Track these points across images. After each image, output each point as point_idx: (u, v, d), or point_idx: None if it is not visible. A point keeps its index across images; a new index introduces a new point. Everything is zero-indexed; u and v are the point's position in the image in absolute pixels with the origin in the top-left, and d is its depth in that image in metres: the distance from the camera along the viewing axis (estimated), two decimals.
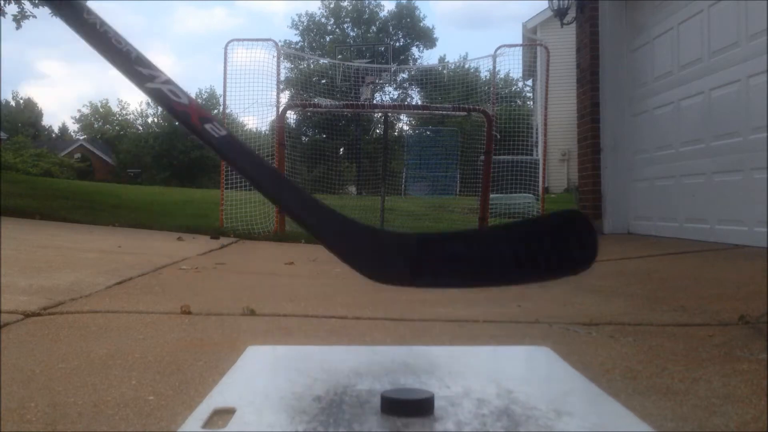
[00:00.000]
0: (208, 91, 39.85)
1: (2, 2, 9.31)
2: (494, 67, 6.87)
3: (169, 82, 0.69)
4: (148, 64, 0.69)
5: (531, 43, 15.14)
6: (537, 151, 10.46)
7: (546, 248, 0.73)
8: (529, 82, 19.60)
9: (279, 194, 0.73)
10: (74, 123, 50.78)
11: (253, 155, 0.72)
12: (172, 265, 3.04)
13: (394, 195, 12.14)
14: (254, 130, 7.66)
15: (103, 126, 47.56)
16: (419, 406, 0.82)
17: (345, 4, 36.24)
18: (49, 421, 0.94)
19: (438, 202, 11.49)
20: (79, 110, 50.59)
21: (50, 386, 1.10)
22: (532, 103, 18.99)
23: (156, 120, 41.23)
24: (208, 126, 0.70)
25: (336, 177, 10.50)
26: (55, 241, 3.84)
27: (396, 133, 23.88)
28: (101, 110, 48.44)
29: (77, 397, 1.05)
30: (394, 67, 25.56)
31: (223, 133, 0.70)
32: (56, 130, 54.09)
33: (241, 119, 7.94)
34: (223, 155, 0.71)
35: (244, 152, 0.72)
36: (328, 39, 35.42)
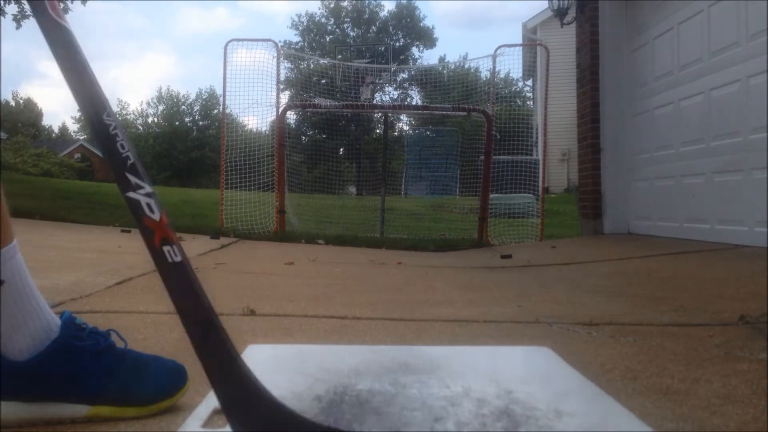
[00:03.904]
0: (208, 91, 39.84)
1: (2, 2, 9.32)
2: (494, 67, 6.87)
3: (151, 195, 0.74)
4: (140, 175, 0.74)
5: (531, 43, 15.14)
6: (537, 151, 10.46)
7: None
8: (529, 82, 19.60)
9: (201, 345, 0.73)
10: (74, 123, 50.75)
11: (198, 293, 0.74)
12: None
13: (394, 195, 12.15)
14: (254, 130, 7.66)
15: None
16: None
17: (345, 4, 36.23)
18: (50, 421, 0.94)
19: (438, 202, 11.49)
20: (79, 110, 50.44)
21: None
22: (532, 103, 18.99)
23: (156, 120, 41.24)
24: (166, 248, 0.72)
25: (336, 177, 10.49)
26: (55, 241, 3.84)
27: (396, 133, 23.89)
28: None
29: None
30: (394, 67, 25.57)
31: (178, 259, 0.73)
32: (56, 130, 54.09)
33: (241, 119, 7.93)
34: (168, 282, 0.73)
35: (187, 287, 0.74)
36: (328, 39, 35.42)
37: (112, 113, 0.76)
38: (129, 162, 0.74)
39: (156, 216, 0.73)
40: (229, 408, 0.72)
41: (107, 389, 0.95)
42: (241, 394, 0.72)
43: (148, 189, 0.74)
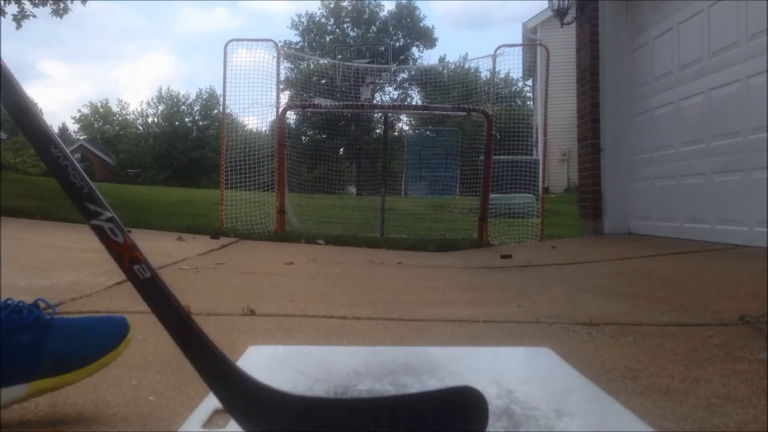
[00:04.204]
0: (208, 91, 39.85)
1: (2, 2, 9.31)
2: (494, 67, 6.87)
3: (111, 220, 0.79)
4: (97, 202, 0.79)
5: (531, 43, 15.14)
6: (537, 151, 10.46)
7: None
8: (529, 82, 19.60)
9: (187, 343, 0.81)
10: (74, 123, 50.75)
11: (171, 302, 0.80)
12: (172, 265, 3.03)
13: (394, 195, 12.15)
14: (254, 130, 7.66)
15: (103, 126, 47.57)
16: None
17: (345, 4, 36.24)
18: (49, 421, 0.94)
19: (438, 202, 11.49)
20: (79, 110, 50.57)
21: None
22: (532, 103, 19.00)
23: (156, 120, 41.23)
24: (135, 267, 0.79)
25: (336, 177, 10.49)
26: (55, 241, 3.84)
27: (396, 133, 23.89)
28: (101, 110, 48.44)
29: (77, 397, 1.05)
30: (394, 67, 25.57)
31: (148, 275, 0.79)
32: (56, 130, 53.97)
33: (241, 119, 7.93)
34: (144, 296, 0.80)
35: (161, 299, 0.80)
36: (328, 39, 35.42)
37: (59, 144, 0.79)
38: (84, 191, 0.78)
39: (120, 239, 0.79)
40: (226, 401, 0.77)
41: (41, 362, 0.92)
42: (230, 384, 0.78)
43: (107, 215, 0.78)
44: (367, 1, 36.06)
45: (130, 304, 1.94)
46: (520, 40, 16.60)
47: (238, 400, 0.77)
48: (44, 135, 0.78)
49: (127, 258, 0.79)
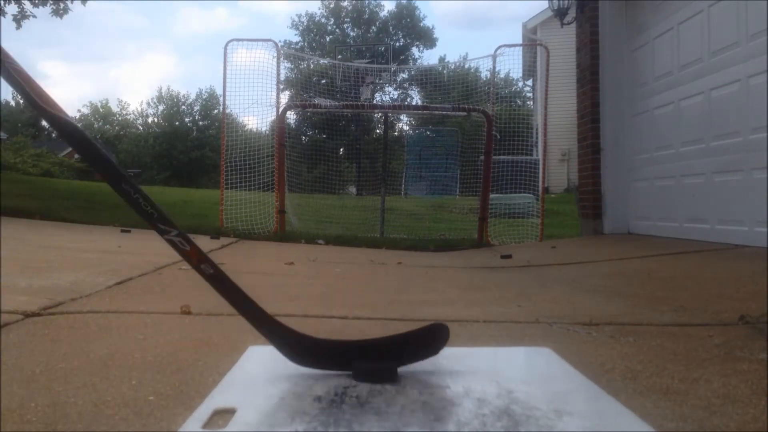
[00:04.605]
0: (208, 91, 39.89)
1: (2, 2, 9.32)
2: (494, 67, 6.86)
3: (179, 234, 1.05)
4: (167, 222, 1.04)
5: (531, 43, 15.14)
6: (537, 151, 10.46)
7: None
8: (529, 82, 19.61)
9: (250, 314, 1.12)
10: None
11: (234, 287, 1.11)
12: (172, 265, 3.03)
13: (394, 195, 12.14)
14: (254, 130, 7.66)
15: (103, 126, 47.58)
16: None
17: (345, 4, 36.25)
18: (49, 421, 0.94)
19: (438, 202, 11.49)
20: (79, 110, 50.44)
21: (50, 386, 1.10)
22: (532, 103, 18.99)
23: (156, 120, 41.24)
24: (202, 266, 1.07)
25: (336, 177, 10.49)
26: (55, 241, 3.84)
27: (396, 133, 23.89)
28: (101, 110, 48.45)
29: (77, 397, 1.05)
30: (394, 67, 25.57)
31: (211, 272, 1.07)
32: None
33: (241, 119, 7.93)
34: (213, 286, 1.09)
35: (227, 288, 1.10)
36: (328, 39, 35.43)
37: (130, 180, 1.01)
38: (155, 216, 1.03)
39: (187, 247, 1.06)
40: (280, 346, 1.15)
41: None
42: (285, 337, 1.15)
43: (175, 231, 1.05)
44: (367, 1, 36.08)
45: (130, 304, 1.94)
46: (520, 40, 16.61)
47: (286, 346, 1.14)
48: (116, 174, 1.00)
49: (195, 260, 1.06)
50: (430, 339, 1.17)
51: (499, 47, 6.83)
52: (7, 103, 47.62)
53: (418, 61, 35.89)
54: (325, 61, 20.95)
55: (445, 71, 16.49)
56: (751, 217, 3.61)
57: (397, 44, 35.82)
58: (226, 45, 6.41)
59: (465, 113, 6.91)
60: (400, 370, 1.14)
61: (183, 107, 40.48)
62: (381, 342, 1.20)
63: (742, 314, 1.77)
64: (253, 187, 6.64)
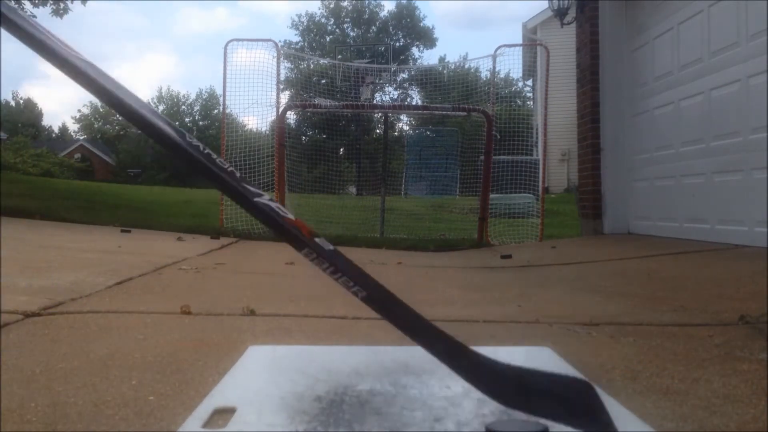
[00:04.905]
0: (208, 91, 39.89)
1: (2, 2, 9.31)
2: (494, 67, 6.87)
3: (273, 200, 0.74)
4: (250, 183, 0.74)
5: (531, 43, 15.14)
6: (537, 151, 10.46)
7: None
8: (529, 82, 19.60)
9: (381, 307, 0.85)
10: (74, 123, 50.74)
11: (358, 270, 0.82)
12: (172, 265, 3.03)
13: (394, 195, 12.14)
14: (254, 130, 7.66)
15: (103, 126, 47.58)
16: None
17: (345, 4, 36.24)
18: (49, 421, 0.94)
19: (438, 202, 11.49)
20: (79, 110, 50.54)
21: (50, 386, 1.09)
22: (532, 103, 18.99)
23: None
24: (317, 239, 0.76)
25: (336, 177, 10.49)
26: (55, 241, 3.84)
27: (396, 133, 23.89)
28: (101, 110, 48.40)
29: (77, 397, 1.05)
30: (394, 67, 25.57)
31: (331, 248, 0.78)
32: (56, 130, 54.10)
33: (241, 119, 7.93)
34: (329, 267, 0.79)
35: (352, 267, 0.82)
36: (328, 39, 35.42)
37: (192, 137, 0.75)
38: (237, 174, 0.74)
39: (291, 216, 0.75)
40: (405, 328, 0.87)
41: None
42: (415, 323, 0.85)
43: (267, 195, 0.73)
44: (367, 1, 36.08)
45: (130, 304, 1.94)
46: (520, 40, 16.60)
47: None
48: (175, 128, 0.76)
49: (307, 231, 0.76)
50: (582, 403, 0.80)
51: (499, 47, 6.84)
52: (7, 103, 47.64)
53: (418, 61, 35.91)
54: (325, 61, 20.95)
55: (445, 71, 16.49)
56: (751, 217, 3.61)
57: (397, 44, 35.82)
58: (226, 45, 6.41)
59: (465, 113, 6.91)
60: (400, 370, 1.14)
61: (183, 107, 40.49)
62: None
63: (742, 314, 1.76)
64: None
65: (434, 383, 1.09)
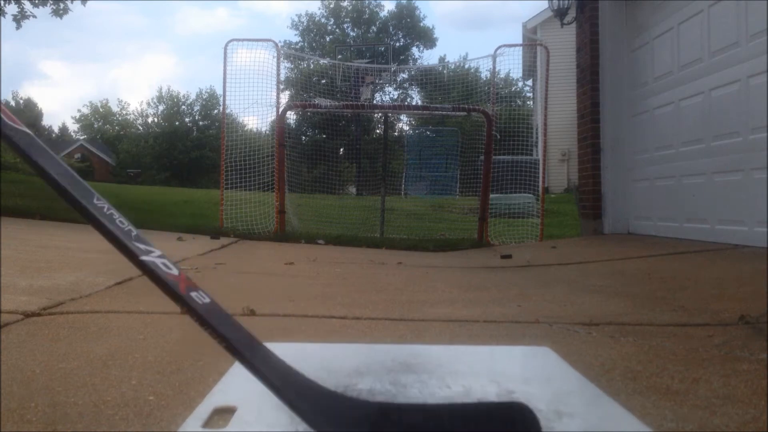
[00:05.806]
0: (208, 91, 39.88)
1: (2, 2, 9.32)
2: (494, 67, 6.87)
3: (162, 256, 0.82)
4: (145, 241, 0.83)
5: (531, 43, 15.14)
6: (537, 151, 10.46)
7: None
8: (529, 82, 19.61)
9: (252, 362, 0.83)
10: (74, 123, 50.79)
11: (234, 325, 0.83)
12: None
13: (394, 195, 12.15)
14: (254, 130, 7.67)
15: (103, 126, 47.61)
16: None
17: (345, 4, 36.25)
18: (49, 421, 0.94)
19: (438, 202, 11.49)
20: (79, 110, 50.60)
21: (50, 386, 1.09)
22: (532, 103, 18.99)
23: (156, 120, 41.23)
24: (192, 293, 0.81)
25: (336, 177, 10.49)
26: (55, 241, 3.84)
27: (396, 133, 23.88)
28: (101, 110, 48.47)
29: (77, 397, 1.05)
30: (394, 67, 25.56)
31: (207, 300, 0.83)
32: (56, 130, 54.12)
33: (241, 119, 7.94)
34: (204, 323, 0.82)
35: (226, 320, 0.83)
36: (328, 39, 35.42)
37: (100, 197, 0.84)
38: (133, 233, 0.82)
39: (174, 271, 0.81)
40: (293, 406, 0.83)
41: None
42: (296, 389, 0.83)
43: (158, 252, 0.81)
44: (367, 1, 36.07)
45: (130, 304, 1.94)
46: (520, 40, 16.61)
47: (312, 411, 0.81)
48: (85, 188, 0.85)
49: (184, 286, 0.83)
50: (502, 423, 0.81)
51: (499, 47, 6.84)
52: (7, 103, 47.61)
53: (418, 61, 35.91)
54: (325, 61, 20.95)
55: (445, 71, 16.48)
56: (751, 217, 3.61)
57: (397, 44, 35.82)
58: (226, 45, 6.42)
59: (465, 113, 6.91)
60: (400, 370, 1.14)
61: (183, 107, 40.48)
62: (433, 411, 0.86)
63: (742, 314, 1.76)
64: (253, 187, 6.64)
65: (434, 383, 1.09)
